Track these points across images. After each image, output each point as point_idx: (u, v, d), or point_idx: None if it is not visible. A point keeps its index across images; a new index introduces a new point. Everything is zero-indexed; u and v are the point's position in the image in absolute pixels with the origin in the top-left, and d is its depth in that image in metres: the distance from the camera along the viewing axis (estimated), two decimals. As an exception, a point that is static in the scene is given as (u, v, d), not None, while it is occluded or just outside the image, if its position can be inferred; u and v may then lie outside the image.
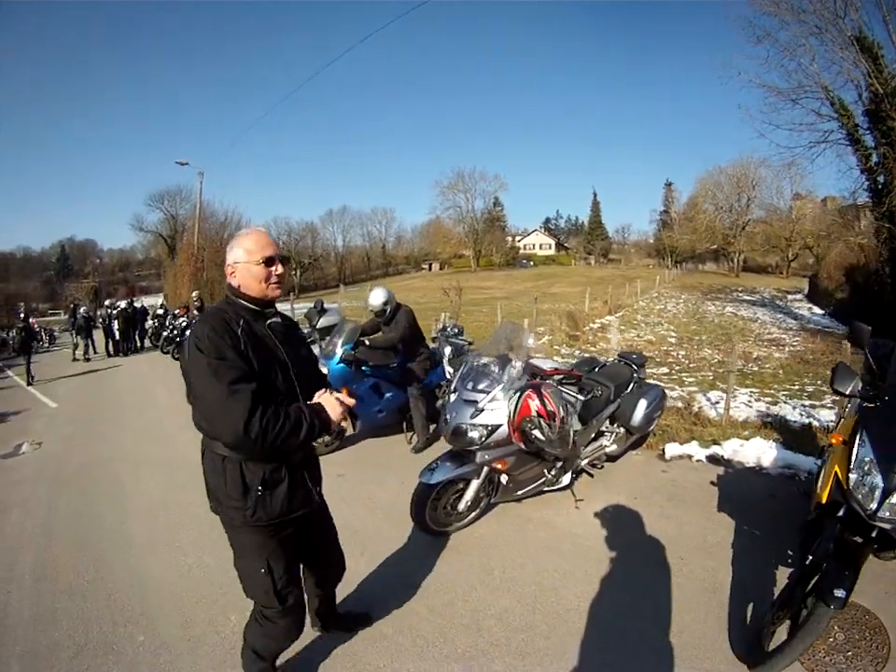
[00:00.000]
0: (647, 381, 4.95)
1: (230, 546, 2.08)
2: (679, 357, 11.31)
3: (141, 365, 13.44)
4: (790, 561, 3.10)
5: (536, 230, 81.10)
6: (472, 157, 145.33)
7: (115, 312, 15.99)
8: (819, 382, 8.95)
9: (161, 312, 17.43)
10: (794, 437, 5.37)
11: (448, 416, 3.53)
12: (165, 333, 14.63)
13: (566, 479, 3.91)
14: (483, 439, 3.39)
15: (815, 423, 6.03)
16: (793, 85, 17.07)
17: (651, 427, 4.76)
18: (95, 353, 15.12)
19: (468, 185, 69.80)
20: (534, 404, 3.38)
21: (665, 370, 9.61)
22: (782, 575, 2.97)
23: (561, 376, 4.02)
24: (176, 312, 15.64)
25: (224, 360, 1.76)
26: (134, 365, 13.54)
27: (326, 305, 8.58)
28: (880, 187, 15.60)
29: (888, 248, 15.92)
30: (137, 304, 18.47)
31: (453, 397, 3.63)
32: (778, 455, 4.80)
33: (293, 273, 60.75)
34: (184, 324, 13.25)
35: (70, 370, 13.12)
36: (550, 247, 77.78)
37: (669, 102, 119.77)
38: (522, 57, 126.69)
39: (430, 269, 74.17)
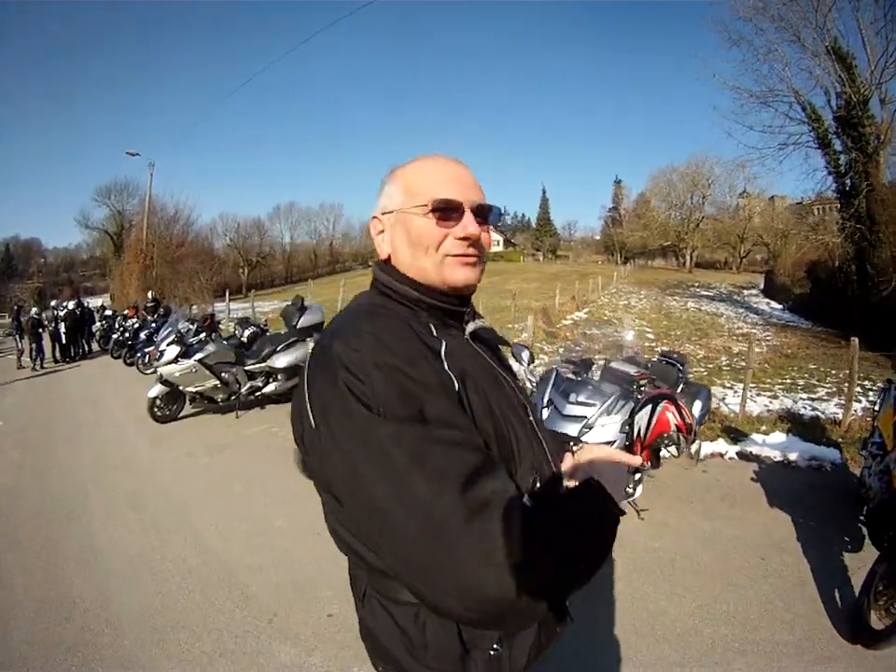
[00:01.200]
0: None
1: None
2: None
3: (92, 372, 12.19)
4: (850, 547, 3.23)
5: None
6: (420, 151, 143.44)
7: (62, 313, 14.34)
8: (806, 375, 9.04)
9: (108, 313, 16.27)
10: (807, 429, 5.54)
11: None
12: (115, 336, 13.45)
13: (639, 490, 3.46)
14: None
15: (820, 415, 6.19)
16: (765, 89, 17.89)
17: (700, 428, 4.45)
18: (44, 359, 13.59)
19: None
20: (673, 418, 2.91)
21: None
22: (850, 560, 3.11)
23: (645, 380, 3.51)
24: (126, 312, 14.63)
25: (432, 424, 0.75)
26: (85, 372, 12.29)
27: (306, 302, 7.74)
28: (848, 189, 16.24)
29: (854, 247, 16.49)
30: (88, 304, 17.08)
31: (545, 412, 3.07)
32: (802, 449, 4.89)
33: (241, 271, 58.52)
34: (136, 325, 12.23)
35: (14, 378, 11.79)
36: (498, 244, 76.83)
37: (618, 99, 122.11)
38: (471, 54, 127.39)
39: None
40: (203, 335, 6.97)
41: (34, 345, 13.14)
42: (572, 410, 3.03)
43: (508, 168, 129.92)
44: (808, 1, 16.11)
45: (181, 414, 6.93)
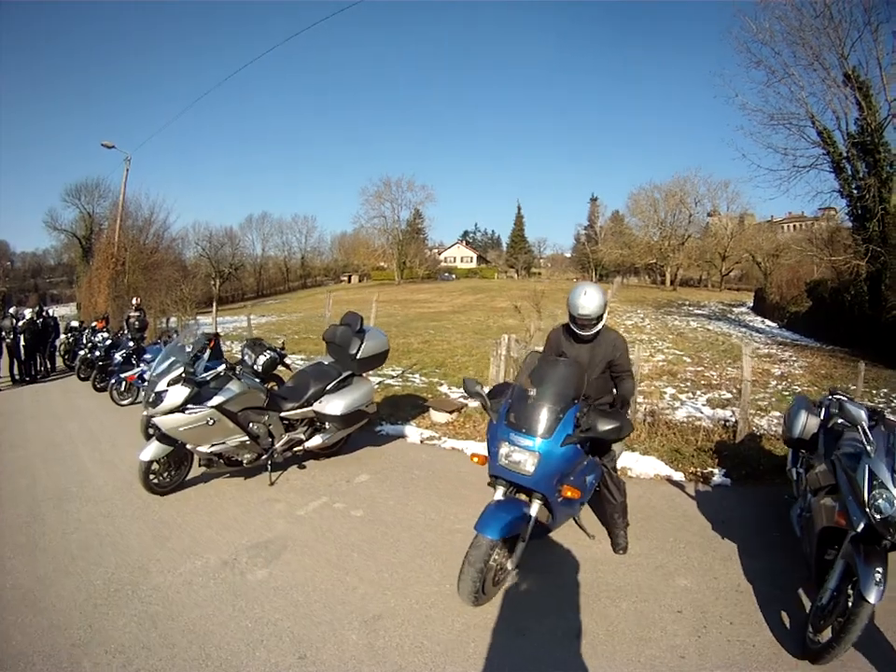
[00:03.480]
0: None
1: None
2: (713, 378, 10.27)
3: (55, 398, 10.18)
4: None
5: (456, 242, 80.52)
6: (389, 168, 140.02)
7: (21, 324, 12.22)
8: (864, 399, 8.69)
9: (75, 324, 14.39)
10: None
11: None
12: (82, 353, 11.58)
13: None
14: None
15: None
16: (781, 111, 18.53)
17: None
18: None
19: (394, 194, 66.95)
20: None
21: (728, 395, 8.64)
22: None
23: None
24: (94, 325, 12.64)
25: None
26: (47, 398, 10.25)
27: (366, 325, 5.68)
28: (860, 212, 16.97)
29: (869, 268, 17.06)
30: (51, 312, 15.12)
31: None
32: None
33: (213, 283, 56.82)
34: (108, 341, 10.44)
35: None
36: (471, 260, 77.50)
37: (594, 115, 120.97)
38: (447, 66, 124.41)
39: (349, 281, 71.77)
40: (221, 368, 4.75)
41: None
42: None
43: (477, 184, 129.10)
44: (833, 31, 16.77)
45: (188, 477, 4.97)
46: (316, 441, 5.26)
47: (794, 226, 54.25)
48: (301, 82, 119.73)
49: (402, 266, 66.34)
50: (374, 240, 69.04)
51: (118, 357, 9.17)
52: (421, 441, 6.19)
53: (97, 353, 10.41)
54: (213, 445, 4.61)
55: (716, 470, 5.02)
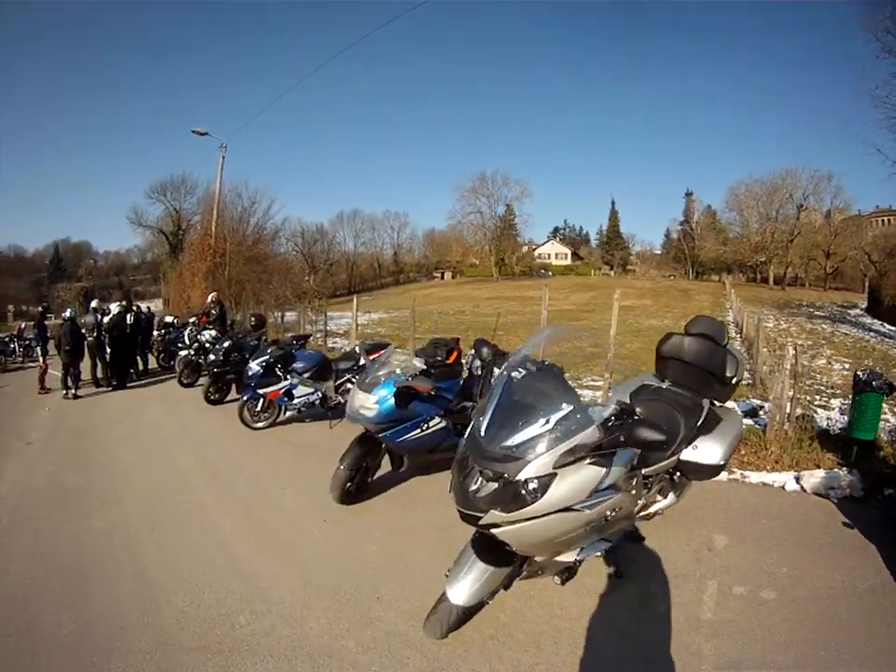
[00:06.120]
0: None
1: None
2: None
3: (152, 412, 8.23)
4: None
5: (549, 239, 78.03)
6: (478, 164, 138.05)
7: (107, 320, 10.62)
8: None
9: (169, 320, 13.02)
10: None
11: None
12: (184, 353, 9.99)
13: None
14: None
15: None
16: None
17: None
18: (79, 382, 9.82)
19: (490, 189, 64.86)
20: None
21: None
22: None
23: None
24: (193, 320, 11.23)
25: None
26: (140, 410, 8.37)
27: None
28: None
29: None
30: (144, 308, 13.95)
31: None
32: None
33: (307, 279, 57.18)
34: (225, 343, 8.06)
35: (32, 414, 8.21)
36: (566, 257, 74.81)
37: (679, 113, 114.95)
38: (537, 64, 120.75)
39: (443, 277, 70.37)
40: (610, 412, 2.46)
41: (70, 364, 9.63)
42: None
43: (565, 181, 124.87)
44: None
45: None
46: (670, 499, 3.46)
47: (883, 220, 51.61)
48: (391, 76, 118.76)
49: (500, 263, 64.74)
50: (468, 236, 67.82)
51: (255, 366, 6.60)
52: (727, 478, 4.71)
53: (212, 356, 8.13)
54: (584, 549, 2.61)
55: None
